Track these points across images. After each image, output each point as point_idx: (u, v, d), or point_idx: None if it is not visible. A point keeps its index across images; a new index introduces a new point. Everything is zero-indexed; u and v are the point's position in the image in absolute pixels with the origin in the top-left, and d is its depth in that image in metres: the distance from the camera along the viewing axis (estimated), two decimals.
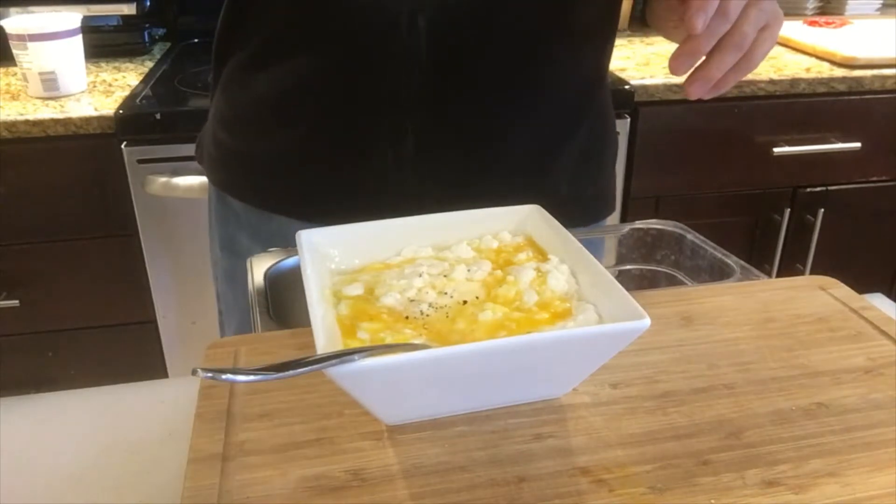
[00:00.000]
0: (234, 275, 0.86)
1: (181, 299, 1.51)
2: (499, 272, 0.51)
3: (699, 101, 0.57)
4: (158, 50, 1.75)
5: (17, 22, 1.39)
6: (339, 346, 0.43)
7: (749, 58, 0.55)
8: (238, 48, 0.77)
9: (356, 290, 0.49)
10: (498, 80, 0.72)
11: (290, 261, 0.68)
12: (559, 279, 0.48)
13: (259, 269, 0.67)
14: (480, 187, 0.74)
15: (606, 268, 0.47)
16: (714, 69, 0.55)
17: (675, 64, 0.55)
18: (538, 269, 0.50)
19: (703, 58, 0.56)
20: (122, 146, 1.36)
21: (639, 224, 0.76)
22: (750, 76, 1.52)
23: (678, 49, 0.55)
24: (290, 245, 0.73)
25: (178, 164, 1.37)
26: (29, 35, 1.37)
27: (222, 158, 0.83)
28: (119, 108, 1.35)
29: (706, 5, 0.52)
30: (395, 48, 0.67)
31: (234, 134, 0.80)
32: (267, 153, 0.79)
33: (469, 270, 0.51)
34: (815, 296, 0.60)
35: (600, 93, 0.81)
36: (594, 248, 0.77)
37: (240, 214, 0.83)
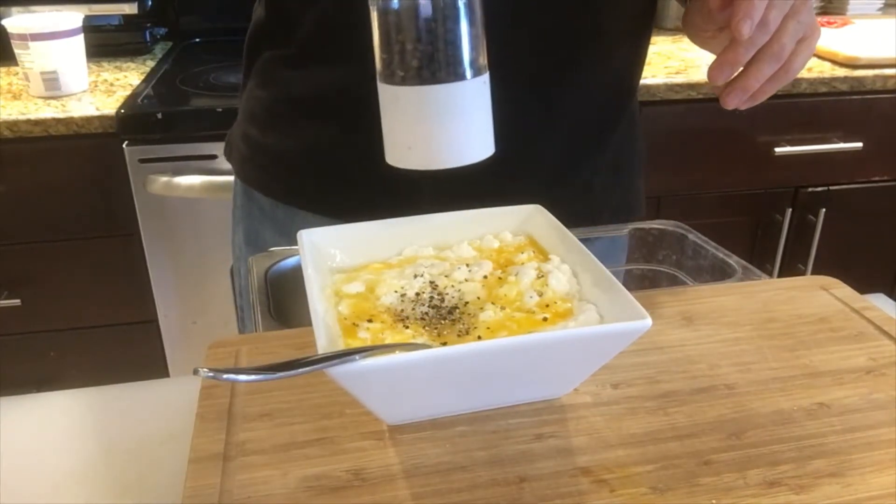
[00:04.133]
0: None
1: (182, 299, 1.51)
2: (499, 272, 0.51)
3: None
4: (160, 49, 1.75)
5: (18, 21, 1.39)
6: (339, 346, 0.43)
7: (786, 69, 0.55)
8: (274, 45, 0.77)
9: (357, 287, 0.49)
10: (526, 83, 0.72)
11: (291, 260, 0.68)
12: (560, 279, 0.48)
13: (260, 268, 0.67)
14: (508, 191, 0.75)
15: (608, 268, 0.47)
16: (752, 79, 0.55)
17: (714, 73, 0.56)
18: (539, 269, 0.50)
19: (741, 68, 0.56)
20: (124, 146, 1.36)
21: (640, 224, 0.76)
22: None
23: (718, 58, 0.55)
24: None
25: (179, 164, 1.37)
26: (31, 34, 1.37)
27: (251, 155, 0.83)
28: (120, 108, 1.35)
29: (753, 12, 0.52)
30: None
31: (265, 130, 0.81)
32: (296, 150, 0.79)
33: (470, 270, 0.51)
34: (816, 296, 0.60)
35: (630, 104, 0.82)
36: (616, 247, 0.78)
37: (265, 210, 0.83)
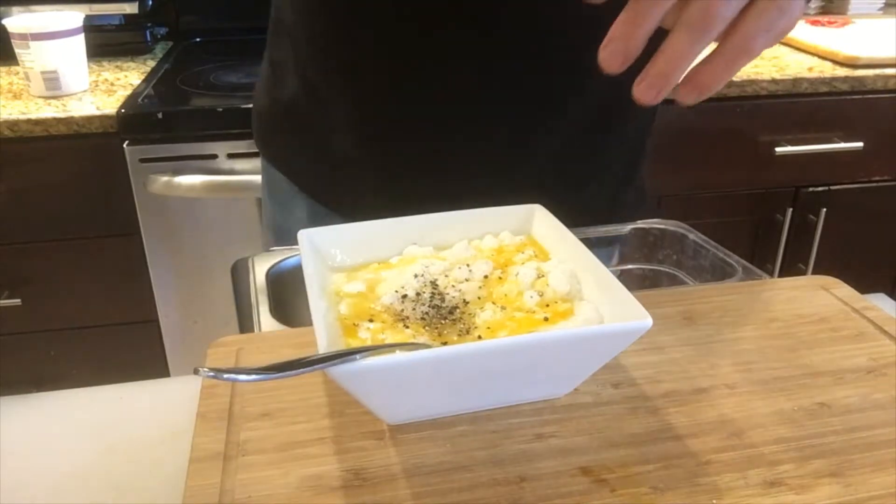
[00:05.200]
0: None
1: (183, 298, 1.51)
2: (499, 272, 0.51)
3: (681, 103, 0.44)
4: (160, 49, 1.75)
5: (19, 21, 1.40)
6: (340, 346, 0.43)
7: (748, 54, 0.41)
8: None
9: (357, 287, 0.49)
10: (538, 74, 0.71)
11: (292, 260, 0.68)
12: (560, 279, 0.48)
13: (261, 268, 0.67)
14: (519, 176, 0.74)
15: (608, 267, 0.47)
16: (669, 64, 0.41)
17: (603, 57, 0.41)
18: (539, 269, 0.50)
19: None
20: (125, 145, 1.36)
21: (641, 224, 0.76)
22: (752, 76, 1.52)
23: (647, 69, 0.42)
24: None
25: (180, 164, 1.37)
26: (31, 34, 1.37)
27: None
28: (121, 108, 1.35)
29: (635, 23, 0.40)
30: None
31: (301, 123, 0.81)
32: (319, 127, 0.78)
33: (470, 270, 0.51)
34: (817, 296, 0.60)
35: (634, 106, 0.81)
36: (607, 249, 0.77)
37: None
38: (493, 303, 0.47)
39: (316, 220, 0.82)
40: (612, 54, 0.40)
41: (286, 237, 0.85)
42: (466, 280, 0.50)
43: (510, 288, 0.49)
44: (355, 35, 0.70)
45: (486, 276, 0.50)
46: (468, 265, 0.51)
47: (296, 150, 0.82)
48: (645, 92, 0.41)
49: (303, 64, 0.76)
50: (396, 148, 0.74)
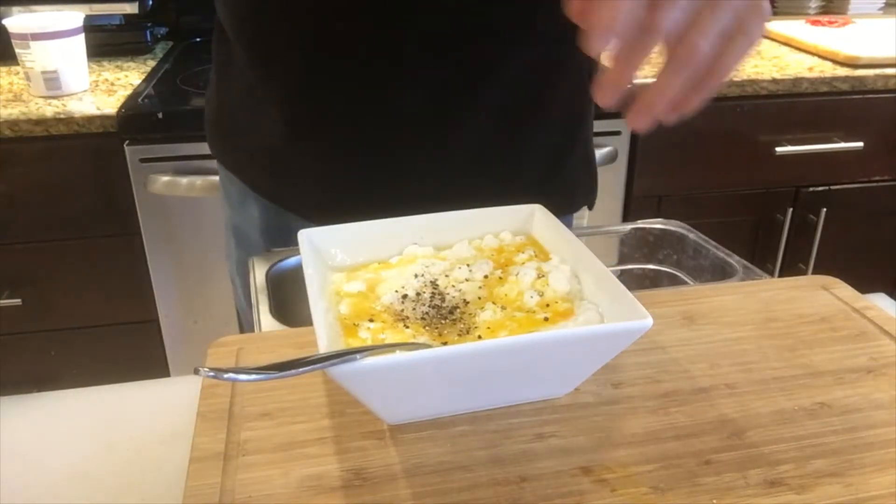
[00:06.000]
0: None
1: (183, 298, 1.51)
2: (500, 272, 0.51)
3: (630, 127, 0.44)
4: (161, 49, 1.75)
5: (19, 21, 1.40)
6: (340, 346, 0.43)
7: (713, 73, 0.43)
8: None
9: (357, 287, 0.49)
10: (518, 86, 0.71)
11: (292, 260, 0.68)
12: (561, 279, 0.48)
13: (261, 268, 0.67)
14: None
15: (608, 267, 0.47)
16: (657, 96, 0.43)
17: (598, 94, 0.43)
18: (539, 269, 0.50)
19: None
20: (125, 145, 1.36)
21: (641, 224, 0.76)
22: (752, 76, 1.52)
23: (602, 76, 0.43)
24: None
25: (180, 164, 1.37)
26: (31, 34, 1.37)
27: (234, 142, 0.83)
28: (121, 108, 1.35)
29: (606, 19, 0.40)
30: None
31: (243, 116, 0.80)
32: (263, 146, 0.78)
33: (470, 270, 0.51)
34: (817, 295, 0.60)
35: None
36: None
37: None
38: (494, 303, 0.47)
39: (269, 219, 0.81)
40: (608, 93, 0.43)
41: (243, 237, 0.85)
42: (467, 280, 0.50)
43: (510, 288, 0.49)
44: (274, 28, 0.70)
45: (486, 276, 0.50)
46: (468, 265, 0.51)
47: (240, 149, 0.82)
48: (636, 120, 0.44)
49: (239, 63, 0.76)
50: (326, 142, 0.74)
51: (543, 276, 0.49)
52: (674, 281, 0.74)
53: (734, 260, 0.68)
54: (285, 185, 0.78)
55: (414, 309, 0.47)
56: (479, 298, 0.48)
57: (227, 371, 0.37)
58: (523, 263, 0.51)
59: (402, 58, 0.68)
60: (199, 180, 1.36)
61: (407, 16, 0.66)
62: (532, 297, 0.47)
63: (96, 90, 1.46)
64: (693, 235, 0.73)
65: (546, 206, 0.56)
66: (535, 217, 0.56)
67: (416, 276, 0.50)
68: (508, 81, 0.71)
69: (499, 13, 0.68)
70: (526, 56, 0.71)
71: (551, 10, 0.64)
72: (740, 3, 0.42)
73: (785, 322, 0.57)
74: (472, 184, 0.73)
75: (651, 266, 0.76)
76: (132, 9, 1.60)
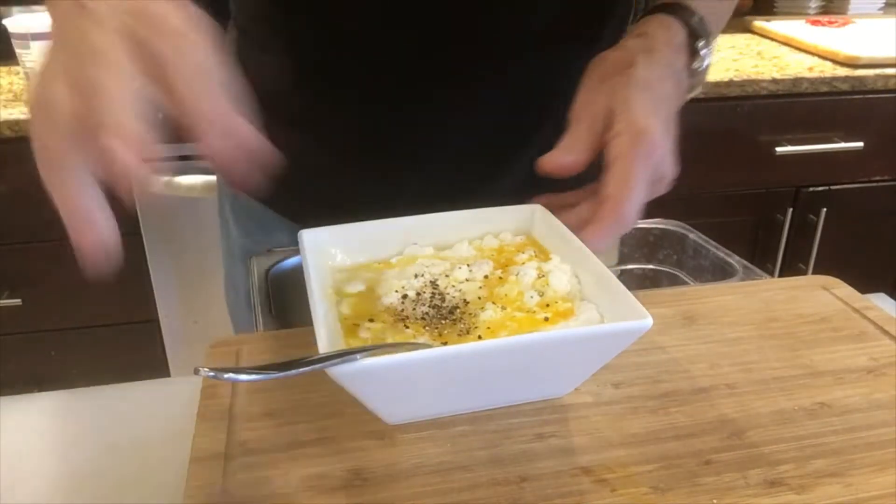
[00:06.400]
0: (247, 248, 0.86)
1: (183, 298, 1.51)
2: (500, 272, 0.51)
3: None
4: None
5: (20, 21, 1.40)
6: (340, 346, 0.43)
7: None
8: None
9: (357, 287, 0.49)
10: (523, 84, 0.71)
11: (292, 260, 0.68)
12: (561, 279, 0.48)
13: (261, 268, 0.67)
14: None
15: (608, 267, 0.47)
16: (581, 235, 0.50)
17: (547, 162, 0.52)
18: (540, 269, 0.50)
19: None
20: None
21: (641, 224, 0.76)
22: (752, 76, 1.52)
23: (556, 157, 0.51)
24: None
25: (180, 164, 1.37)
26: (32, 34, 1.37)
27: None
28: None
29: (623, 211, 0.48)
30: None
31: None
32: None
33: (471, 270, 0.51)
34: (817, 295, 0.60)
35: None
36: None
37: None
38: (494, 303, 0.47)
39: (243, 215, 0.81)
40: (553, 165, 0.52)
41: (226, 227, 0.85)
42: (467, 280, 0.50)
43: (510, 288, 0.49)
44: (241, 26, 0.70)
45: (486, 276, 0.50)
46: (468, 265, 0.51)
47: None
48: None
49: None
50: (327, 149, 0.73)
51: (544, 275, 0.49)
52: (674, 281, 0.74)
53: (734, 260, 0.68)
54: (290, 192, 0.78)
55: (414, 309, 0.47)
56: (479, 298, 0.48)
57: (227, 371, 0.37)
58: (523, 263, 0.51)
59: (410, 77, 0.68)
60: (199, 180, 1.36)
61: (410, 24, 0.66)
62: (532, 297, 0.47)
63: None
64: (693, 235, 0.73)
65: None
66: (535, 217, 0.56)
67: (416, 276, 0.50)
68: (511, 87, 0.71)
69: (492, 21, 0.67)
70: (530, 61, 0.71)
71: (554, 15, 0.64)
72: (668, 168, 0.52)
73: (785, 322, 0.57)
74: (472, 183, 0.73)
75: (651, 266, 0.76)
76: None
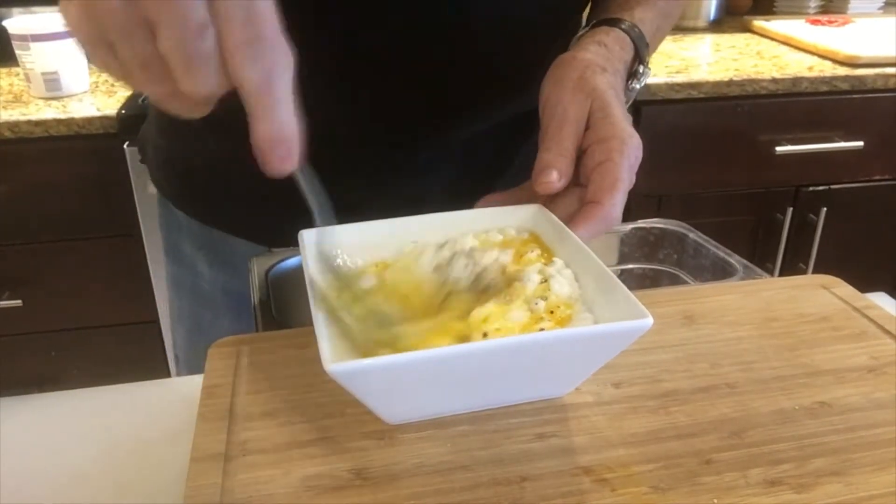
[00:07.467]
0: (181, 282, 0.84)
1: None
2: (513, 267, 0.51)
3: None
4: None
5: (19, 22, 1.40)
6: (341, 346, 0.43)
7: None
8: None
9: (369, 281, 0.49)
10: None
11: (292, 260, 0.68)
12: (562, 283, 0.48)
13: (261, 268, 0.67)
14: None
15: (608, 267, 0.47)
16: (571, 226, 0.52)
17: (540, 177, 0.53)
18: (542, 272, 0.50)
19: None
20: (125, 146, 1.36)
21: (641, 223, 0.76)
22: (752, 75, 1.52)
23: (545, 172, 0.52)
24: (236, 258, 0.73)
25: None
26: (31, 35, 1.37)
27: (160, 163, 0.80)
28: (121, 108, 1.35)
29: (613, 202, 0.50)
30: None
31: (170, 139, 0.77)
32: (202, 162, 0.74)
33: (497, 257, 0.51)
34: (817, 295, 0.60)
35: None
36: None
37: (182, 222, 0.81)
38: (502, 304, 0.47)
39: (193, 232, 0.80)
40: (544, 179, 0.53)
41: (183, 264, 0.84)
42: (494, 261, 0.51)
43: (516, 294, 0.48)
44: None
45: (508, 264, 0.51)
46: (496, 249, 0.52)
47: (161, 159, 0.80)
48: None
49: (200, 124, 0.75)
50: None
51: (546, 281, 0.49)
52: (674, 281, 0.74)
53: (734, 259, 0.68)
54: (199, 196, 0.76)
55: (443, 275, 0.48)
56: (489, 289, 0.48)
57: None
58: (533, 263, 0.51)
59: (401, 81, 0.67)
60: None
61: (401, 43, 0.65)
62: (537, 304, 0.47)
63: (96, 91, 1.46)
64: (693, 235, 0.73)
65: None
66: (536, 216, 0.56)
67: (440, 246, 0.51)
68: (512, 91, 0.71)
69: (489, 29, 0.67)
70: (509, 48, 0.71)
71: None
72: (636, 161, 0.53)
73: (785, 321, 0.57)
74: (472, 184, 0.73)
75: (651, 266, 0.76)
76: None
